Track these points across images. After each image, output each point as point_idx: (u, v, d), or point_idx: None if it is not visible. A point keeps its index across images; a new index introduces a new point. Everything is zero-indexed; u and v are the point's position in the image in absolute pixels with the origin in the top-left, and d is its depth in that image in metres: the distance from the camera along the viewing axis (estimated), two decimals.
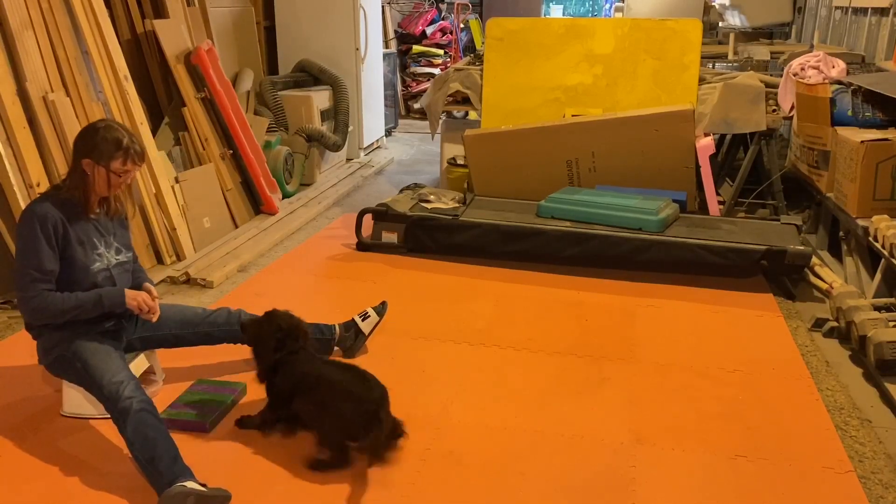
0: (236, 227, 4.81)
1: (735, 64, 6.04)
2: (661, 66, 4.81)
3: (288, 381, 2.50)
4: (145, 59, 4.72)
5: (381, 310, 3.20)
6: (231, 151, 4.90)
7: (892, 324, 3.07)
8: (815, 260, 3.95)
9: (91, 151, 2.40)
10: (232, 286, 3.95)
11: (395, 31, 8.96)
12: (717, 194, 4.76)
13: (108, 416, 2.34)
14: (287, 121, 5.84)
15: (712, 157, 4.56)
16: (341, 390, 2.41)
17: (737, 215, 4.78)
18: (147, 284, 2.67)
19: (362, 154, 6.87)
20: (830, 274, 3.84)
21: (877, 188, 3.67)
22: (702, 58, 4.98)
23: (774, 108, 4.70)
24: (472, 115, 6.29)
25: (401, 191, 4.85)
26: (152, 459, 2.19)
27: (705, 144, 4.49)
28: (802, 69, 4.58)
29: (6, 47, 3.58)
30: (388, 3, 8.71)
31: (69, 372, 2.50)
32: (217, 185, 4.71)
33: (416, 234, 4.33)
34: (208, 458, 2.46)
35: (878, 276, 3.52)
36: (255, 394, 2.73)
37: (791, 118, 4.67)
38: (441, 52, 9.09)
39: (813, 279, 3.91)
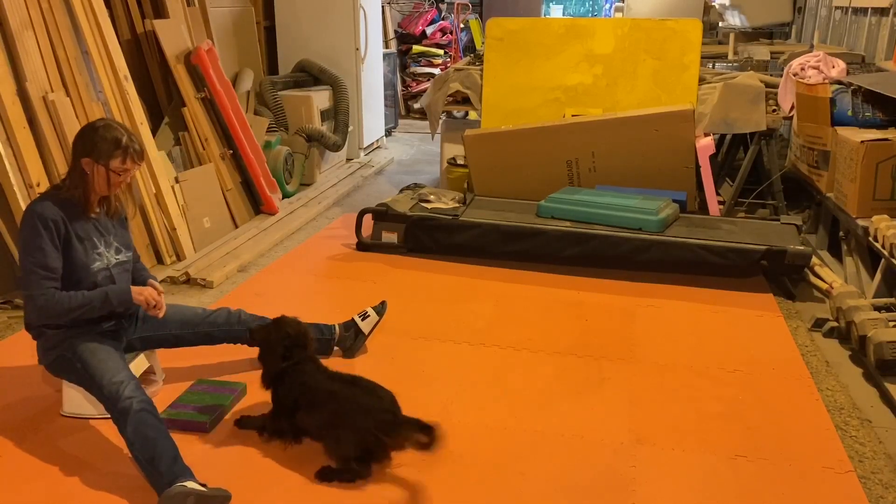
0: (236, 227, 4.81)
1: (735, 64, 6.04)
2: (661, 66, 4.81)
3: (293, 393, 2.48)
4: (145, 59, 4.72)
5: (380, 309, 3.20)
6: (231, 151, 4.90)
7: (892, 324, 3.07)
8: (815, 260, 3.95)
9: (90, 150, 2.40)
10: (232, 286, 3.95)
11: (395, 31, 8.96)
12: (717, 194, 4.76)
13: (108, 416, 2.34)
14: (287, 121, 5.84)
15: (712, 157, 4.56)
16: (353, 405, 2.38)
17: (737, 215, 4.78)
18: (152, 281, 2.67)
19: (362, 154, 6.88)
20: (830, 274, 3.84)
21: (877, 188, 3.67)
22: (702, 58, 4.98)
23: (774, 108, 4.70)
24: (472, 115, 6.29)
25: (401, 191, 4.85)
26: (152, 459, 2.19)
27: (705, 144, 4.49)
28: (802, 69, 4.59)
29: (6, 47, 3.58)
30: (388, 3, 8.71)
31: (69, 372, 2.50)
32: (217, 185, 4.71)
33: (416, 234, 4.33)
34: (208, 458, 2.46)
35: (878, 276, 3.52)
36: (255, 394, 2.73)
37: (791, 118, 4.67)
38: (441, 52, 9.09)
39: (813, 279, 3.91)
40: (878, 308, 3.26)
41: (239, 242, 4.49)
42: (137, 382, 2.38)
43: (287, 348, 2.51)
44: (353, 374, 2.54)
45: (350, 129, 6.41)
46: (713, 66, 6.28)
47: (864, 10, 5.26)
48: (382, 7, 7.85)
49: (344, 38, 6.40)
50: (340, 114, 6.23)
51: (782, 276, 3.90)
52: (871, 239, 3.52)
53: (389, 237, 4.40)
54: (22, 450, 2.50)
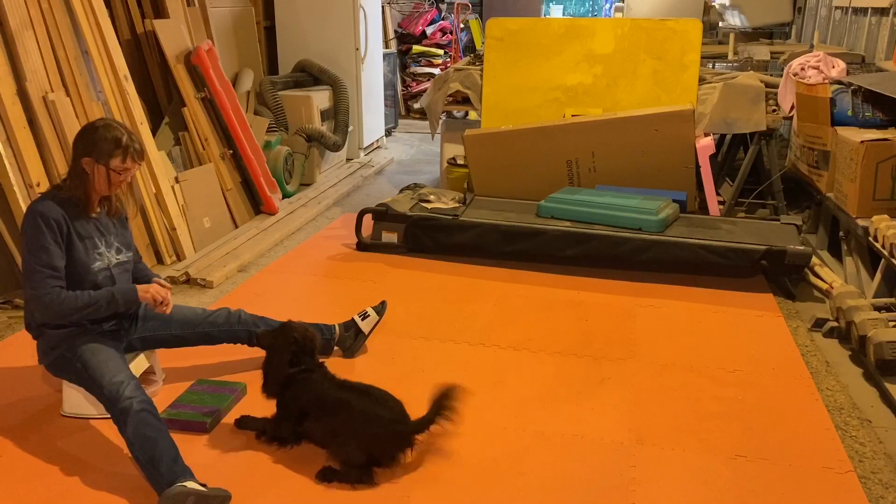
0: (236, 227, 4.81)
1: (735, 64, 6.04)
2: (661, 66, 4.81)
3: (300, 400, 2.47)
4: (145, 59, 4.72)
5: (380, 309, 3.20)
6: (231, 151, 4.90)
7: (892, 324, 3.07)
8: (815, 260, 3.95)
9: (91, 150, 2.41)
10: (232, 286, 3.95)
11: (395, 31, 8.96)
12: (717, 194, 4.76)
13: (108, 416, 2.34)
14: (287, 121, 5.84)
15: (712, 157, 4.56)
16: (365, 415, 2.37)
17: (737, 215, 4.78)
18: (156, 278, 2.68)
19: (362, 154, 6.88)
20: (830, 274, 3.84)
21: (877, 188, 3.67)
22: (702, 58, 4.98)
23: (774, 108, 4.71)
24: (472, 115, 6.29)
25: (401, 191, 4.85)
26: (152, 459, 2.19)
27: (705, 144, 4.49)
28: (802, 69, 4.59)
29: (6, 47, 3.58)
30: (388, 3, 8.71)
31: (69, 372, 2.50)
32: (217, 185, 4.71)
33: (416, 234, 4.33)
34: (208, 458, 2.46)
35: (878, 276, 3.52)
36: (255, 394, 2.72)
37: (791, 118, 4.67)
38: (441, 52, 9.09)
39: (813, 279, 3.91)
40: (878, 308, 3.27)
41: (239, 242, 4.49)
42: (138, 382, 2.38)
43: (294, 354, 2.50)
44: (364, 382, 2.52)
45: (350, 129, 6.41)
46: (713, 66, 6.28)
47: (864, 10, 5.26)
48: (382, 7, 7.85)
49: (344, 38, 6.40)
50: (340, 114, 6.23)
51: (782, 276, 3.90)
52: (871, 239, 3.52)
53: (389, 237, 4.40)
54: (22, 450, 2.50)
